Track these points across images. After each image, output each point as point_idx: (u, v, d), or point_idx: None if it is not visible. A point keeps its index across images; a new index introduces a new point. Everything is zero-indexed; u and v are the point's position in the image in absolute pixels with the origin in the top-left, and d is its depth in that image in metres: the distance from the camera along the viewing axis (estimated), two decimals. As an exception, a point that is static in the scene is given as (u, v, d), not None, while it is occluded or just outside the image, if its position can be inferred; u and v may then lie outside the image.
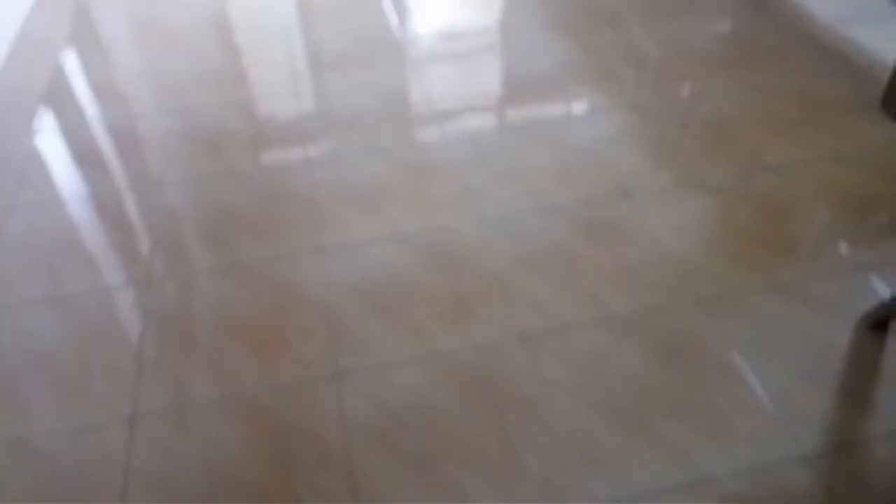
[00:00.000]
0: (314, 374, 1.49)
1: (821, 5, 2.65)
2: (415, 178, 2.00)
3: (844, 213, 1.78)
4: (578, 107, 2.26)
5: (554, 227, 1.80)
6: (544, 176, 1.97)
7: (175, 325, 1.61)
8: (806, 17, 2.62)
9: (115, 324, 1.63)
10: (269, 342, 1.56)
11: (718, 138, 2.06)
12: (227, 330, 1.60)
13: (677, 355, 1.47)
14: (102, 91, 2.51)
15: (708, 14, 2.71)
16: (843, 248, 1.69)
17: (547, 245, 1.75)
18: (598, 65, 2.44)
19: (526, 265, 1.70)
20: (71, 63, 2.71)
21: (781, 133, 2.06)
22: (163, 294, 1.69)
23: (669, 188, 1.90)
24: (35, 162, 2.17)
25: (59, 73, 2.64)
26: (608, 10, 2.75)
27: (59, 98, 2.48)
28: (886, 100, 1.98)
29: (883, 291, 1.58)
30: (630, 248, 1.73)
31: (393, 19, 2.81)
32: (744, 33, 2.57)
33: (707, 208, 1.83)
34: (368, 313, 1.61)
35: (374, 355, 1.52)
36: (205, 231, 1.87)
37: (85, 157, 2.17)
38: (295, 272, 1.72)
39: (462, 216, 1.86)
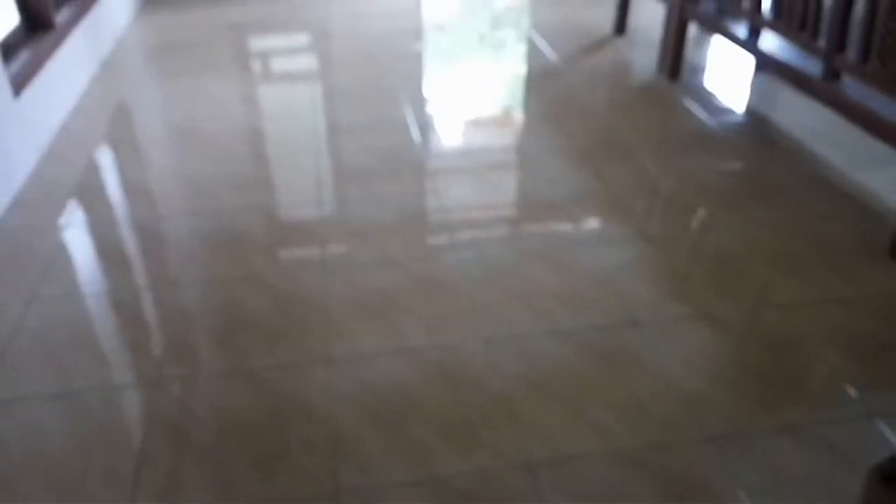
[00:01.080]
0: (313, 490, 1.46)
1: (831, 148, 2.76)
2: (426, 292, 2.03)
3: (854, 358, 1.78)
4: (590, 233, 2.32)
5: (562, 352, 1.81)
6: (554, 299, 2.00)
7: (178, 430, 1.60)
8: (816, 158, 2.72)
9: (118, 424, 1.63)
10: (271, 453, 1.55)
11: (728, 273, 2.10)
12: (229, 437, 1.58)
13: (685, 495, 1.44)
14: (132, 189, 2.62)
15: (720, 151, 2.82)
16: (853, 393, 1.68)
17: (554, 370, 1.76)
18: (611, 194, 2.52)
19: (532, 389, 1.70)
20: (105, 160, 2.85)
21: (790, 272, 2.09)
22: (169, 396, 1.69)
23: (679, 319, 1.92)
24: (60, 254, 2.23)
25: (92, 169, 2.76)
26: (622, 142, 2.88)
27: (90, 193, 2.58)
28: None
29: (894, 441, 1.55)
30: (639, 379, 1.73)
31: (416, 137, 2.95)
32: (755, 171, 2.67)
33: (716, 342, 1.84)
34: (372, 430, 1.60)
35: (374, 475, 1.49)
36: (217, 334, 1.89)
37: (108, 253, 2.24)
38: (302, 382, 1.73)
39: (471, 334, 1.87)
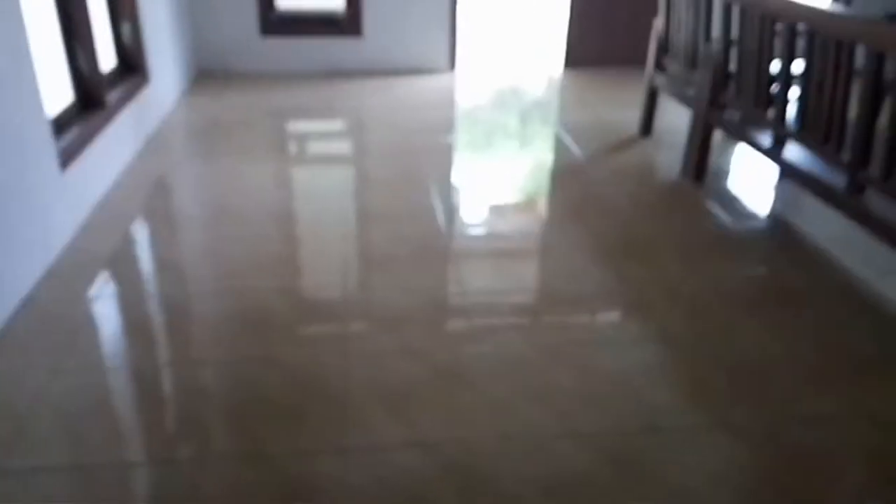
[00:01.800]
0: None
1: (855, 257, 2.75)
2: (444, 385, 2.02)
3: (879, 477, 1.72)
4: (611, 332, 2.31)
5: (578, 455, 1.77)
6: (572, 399, 1.97)
7: (186, 514, 1.58)
8: (840, 267, 2.72)
9: (129, 501, 1.61)
10: (277, 545, 1.51)
11: (750, 381, 2.06)
12: (236, 526, 1.56)
13: None
14: (163, 264, 2.69)
15: (743, 255, 2.84)
16: (882, 517, 1.62)
17: (570, 473, 1.72)
18: (633, 293, 2.53)
19: (546, 493, 1.66)
20: (140, 234, 2.93)
21: (813, 384, 2.06)
22: (179, 475, 1.68)
23: (699, 427, 1.88)
24: (87, 327, 2.27)
25: (127, 242, 2.84)
26: (645, 242, 2.91)
27: (123, 266, 2.65)
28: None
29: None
30: (657, 489, 1.68)
31: (443, 227, 3.01)
32: (778, 278, 2.67)
33: (737, 453, 1.79)
34: (382, 526, 1.56)
35: (382, 576, 1.45)
36: (233, 414, 1.89)
37: (134, 327, 2.27)
38: (314, 469, 1.71)
39: (487, 431, 1.85)
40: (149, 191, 3.32)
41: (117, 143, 3.42)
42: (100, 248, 2.73)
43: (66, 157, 2.78)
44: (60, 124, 2.93)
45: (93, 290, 2.46)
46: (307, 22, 5.22)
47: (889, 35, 2.28)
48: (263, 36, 5.10)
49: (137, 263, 2.73)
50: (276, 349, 2.16)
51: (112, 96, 3.42)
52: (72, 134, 2.94)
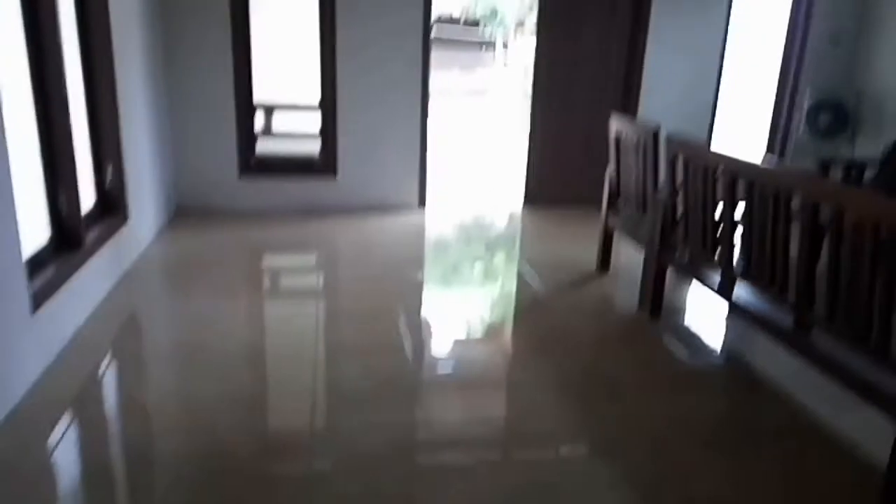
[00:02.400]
0: None
1: (809, 391, 2.86)
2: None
3: None
4: (576, 474, 2.33)
5: None
6: (541, 545, 1.96)
7: None
8: (796, 401, 2.81)
9: None
10: None
11: (714, 522, 2.08)
12: None
13: None
14: (130, 405, 2.67)
15: (702, 392, 2.92)
16: None
17: None
18: (597, 432, 2.57)
19: None
20: (108, 375, 2.93)
21: (777, 524, 2.08)
22: None
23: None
24: (46, 475, 2.22)
25: (94, 383, 2.83)
26: (608, 379, 2.99)
27: (88, 408, 2.63)
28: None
29: None
30: None
31: (411, 363, 3.06)
32: (738, 415, 2.74)
33: None
34: None
35: None
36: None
37: (94, 476, 2.23)
38: None
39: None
40: (121, 329, 3.34)
41: (92, 282, 3.47)
42: (66, 391, 2.71)
43: (39, 300, 2.81)
44: (35, 265, 2.97)
45: (54, 436, 2.42)
46: (284, 164, 5.48)
47: (821, 187, 2.51)
48: (242, 177, 5.33)
49: (103, 406, 2.71)
50: (239, 492, 2.13)
51: (90, 236, 3.50)
52: (46, 274, 2.98)
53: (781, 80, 5.98)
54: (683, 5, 5.53)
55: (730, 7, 5.59)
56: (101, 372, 2.93)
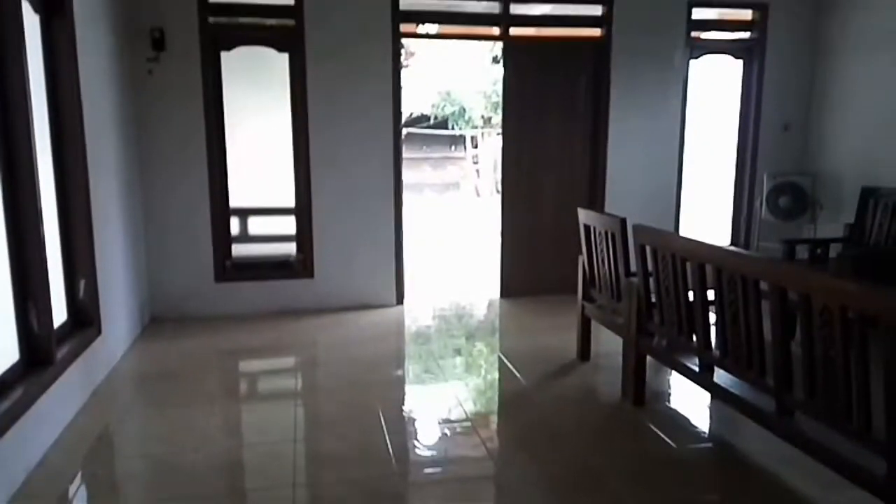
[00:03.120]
0: None
1: (794, 472, 2.82)
2: None
3: None
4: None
5: None
6: None
7: None
8: (782, 484, 2.77)
9: None
10: None
11: None
12: None
13: None
14: (100, 532, 2.54)
15: (690, 480, 2.87)
16: None
17: None
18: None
19: None
20: (78, 498, 2.79)
21: None
22: None
23: None
24: None
25: (62, 510, 2.69)
26: (594, 471, 2.93)
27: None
28: None
29: None
30: None
31: (394, 468, 2.97)
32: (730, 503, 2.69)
33: None
34: None
35: None
36: None
37: None
38: None
39: None
40: (91, 450, 3.21)
41: (62, 401, 3.37)
42: (31, 519, 2.57)
43: (5, 425, 2.71)
44: (2, 387, 2.89)
45: (19, 570, 2.28)
46: (261, 267, 5.49)
47: (786, 272, 2.58)
48: (218, 282, 5.32)
49: (71, 533, 2.57)
50: None
51: (61, 352, 3.43)
52: (14, 396, 2.88)
53: (739, 165, 6.23)
54: (641, 98, 5.81)
55: (685, 98, 5.89)
56: (70, 498, 2.79)
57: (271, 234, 5.64)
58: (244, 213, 5.46)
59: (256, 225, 5.60)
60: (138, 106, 4.97)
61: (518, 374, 4.13)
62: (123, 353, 4.46)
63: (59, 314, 3.65)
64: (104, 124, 4.29)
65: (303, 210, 5.43)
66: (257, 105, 5.40)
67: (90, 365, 3.80)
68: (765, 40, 5.94)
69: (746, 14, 5.99)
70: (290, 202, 5.47)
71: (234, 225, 5.44)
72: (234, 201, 5.35)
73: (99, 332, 3.97)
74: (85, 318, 3.89)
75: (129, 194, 4.79)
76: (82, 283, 3.87)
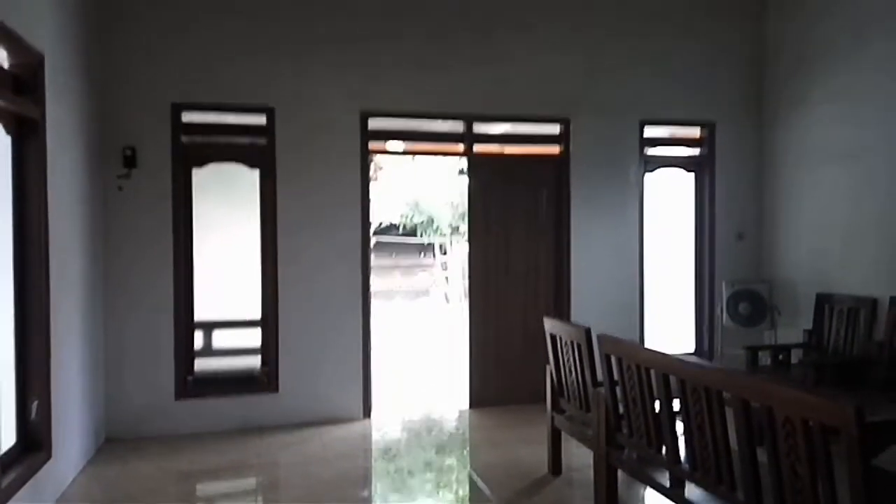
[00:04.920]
0: None
1: None
2: None
3: None
4: None
5: None
6: None
7: None
8: None
9: None
10: None
11: None
12: None
13: None
14: None
15: None
16: None
17: None
18: None
19: None
20: None
21: None
22: None
23: None
24: None
25: None
26: None
27: None
28: None
29: None
30: None
31: None
32: None
33: None
34: None
35: None
36: None
37: None
38: None
39: None
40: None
41: (3, 533, 3.16)
42: None
43: (-59, 561, 2.53)
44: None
45: None
46: (224, 381, 5.36)
47: (748, 385, 2.61)
48: (179, 399, 5.16)
49: None
50: None
51: (8, 478, 3.26)
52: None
53: (698, 273, 6.42)
54: (601, 210, 6.03)
55: (642, 210, 6.13)
56: None
57: (236, 347, 5.56)
58: (209, 327, 5.39)
59: (221, 338, 5.52)
60: (106, 222, 5.00)
61: (489, 493, 4.00)
62: (74, 478, 4.23)
63: (8, 437, 3.50)
64: (70, 241, 4.29)
65: (269, 322, 5.39)
66: (226, 218, 5.47)
67: (38, 492, 3.60)
68: (713, 155, 6.29)
69: (695, 131, 6.38)
70: (256, 314, 5.43)
71: (198, 339, 5.35)
72: (199, 314, 5.29)
73: (49, 455, 3.78)
74: (35, 441, 3.72)
75: (92, 311, 4.72)
76: (35, 405, 3.73)
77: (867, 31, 5.28)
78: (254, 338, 5.46)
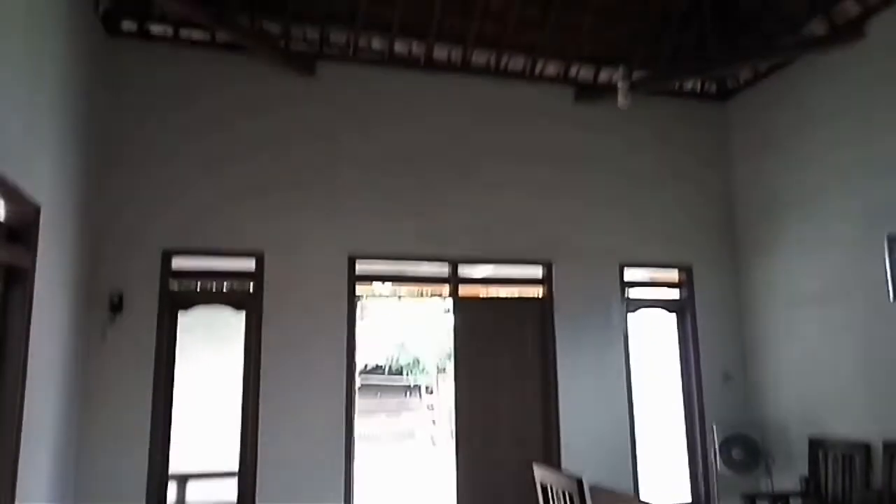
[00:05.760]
0: None
1: None
2: None
3: None
4: None
5: None
6: None
7: None
8: None
9: None
10: None
11: None
12: None
13: None
14: None
15: None
16: None
17: None
18: None
19: None
20: None
21: None
22: None
23: None
24: None
25: None
26: None
27: None
28: None
29: None
30: None
31: None
32: None
33: None
34: None
35: None
36: None
37: None
38: None
39: None
40: None
41: None
42: None
43: None
44: None
45: None
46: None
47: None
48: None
49: None
50: None
51: None
52: None
53: (688, 415, 6.31)
54: (586, 352, 5.99)
55: (628, 351, 6.12)
56: None
57: (211, 501, 5.28)
58: (183, 479, 5.15)
59: (196, 490, 5.26)
60: (88, 367, 4.90)
61: None
62: None
63: None
64: (47, 389, 4.18)
65: (247, 471, 5.16)
66: (210, 361, 5.40)
67: None
68: (693, 297, 6.40)
69: (673, 274, 6.53)
70: (234, 465, 5.21)
71: (172, 492, 5.09)
72: (175, 466, 5.07)
73: None
74: None
75: (63, 465, 4.51)
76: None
77: (827, 183, 5.59)
78: (230, 490, 5.20)
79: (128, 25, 5.40)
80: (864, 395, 5.13)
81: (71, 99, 4.46)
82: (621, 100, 4.99)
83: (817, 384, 5.58)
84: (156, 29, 5.49)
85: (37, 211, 3.83)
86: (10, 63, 3.51)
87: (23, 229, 3.74)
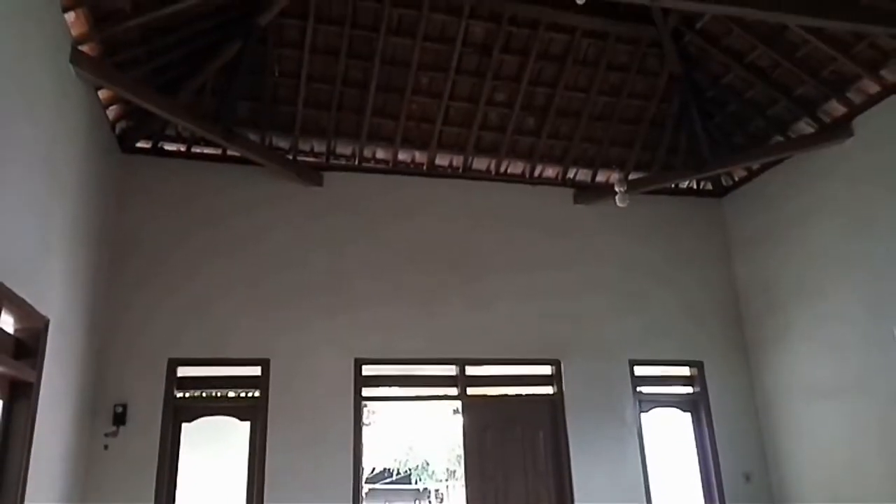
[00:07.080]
0: None
1: None
2: None
3: None
4: None
5: None
6: None
7: None
8: None
9: None
10: None
11: None
12: None
13: None
14: None
15: None
16: None
17: None
18: None
19: None
20: None
21: None
22: None
23: None
24: None
25: None
26: None
27: None
28: None
29: None
30: None
31: None
32: None
33: None
34: None
35: None
36: None
37: None
38: None
39: None
40: None
41: None
42: None
43: None
44: None
45: None
46: None
47: None
48: None
49: None
50: None
51: None
52: None
53: (710, 518, 6.03)
54: (600, 451, 5.81)
55: (643, 451, 5.91)
56: None
57: None
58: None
59: None
60: (89, 479, 4.78)
61: None
62: None
63: None
64: (47, 500, 4.06)
65: None
66: (212, 472, 5.26)
67: None
68: (706, 393, 6.25)
69: (685, 370, 6.41)
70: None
71: None
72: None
73: None
74: None
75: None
76: None
77: (828, 276, 5.61)
78: None
79: (142, 143, 5.63)
80: (891, 489, 4.91)
81: (83, 213, 4.58)
82: (619, 202, 5.13)
83: (842, 481, 5.35)
84: (169, 146, 5.72)
85: (45, 325, 3.86)
86: (27, 182, 3.64)
87: (30, 343, 3.76)
